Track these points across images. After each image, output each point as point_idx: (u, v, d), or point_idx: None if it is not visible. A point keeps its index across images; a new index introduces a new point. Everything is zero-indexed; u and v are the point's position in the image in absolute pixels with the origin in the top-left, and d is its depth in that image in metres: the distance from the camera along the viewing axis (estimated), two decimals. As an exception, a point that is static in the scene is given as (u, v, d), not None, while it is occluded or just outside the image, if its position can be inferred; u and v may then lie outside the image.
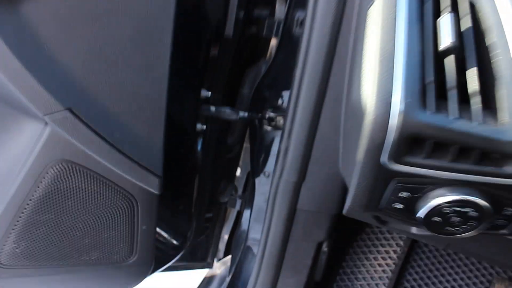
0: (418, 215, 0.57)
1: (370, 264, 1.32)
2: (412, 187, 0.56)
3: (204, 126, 1.04)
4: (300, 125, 0.92)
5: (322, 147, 0.94)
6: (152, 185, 0.90)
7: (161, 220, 1.26)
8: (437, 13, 0.57)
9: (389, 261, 1.34)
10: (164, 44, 0.82)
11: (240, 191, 1.29)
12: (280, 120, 1.04)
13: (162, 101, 0.85)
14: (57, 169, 0.88)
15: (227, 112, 1.01)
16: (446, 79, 0.52)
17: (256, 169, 1.11)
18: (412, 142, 0.52)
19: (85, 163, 0.89)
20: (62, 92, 0.79)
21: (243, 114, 1.02)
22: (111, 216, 0.97)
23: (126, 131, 0.85)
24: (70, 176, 0.89)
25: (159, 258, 1.26)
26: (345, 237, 1.29)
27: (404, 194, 0.57)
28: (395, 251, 1.33)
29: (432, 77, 0.52)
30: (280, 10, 1.04)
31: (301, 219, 1.04)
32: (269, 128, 1.06)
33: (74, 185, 0.91)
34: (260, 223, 1.15)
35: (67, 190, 0.91)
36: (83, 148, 0.84)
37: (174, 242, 1.29)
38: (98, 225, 0.98)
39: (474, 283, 1.26)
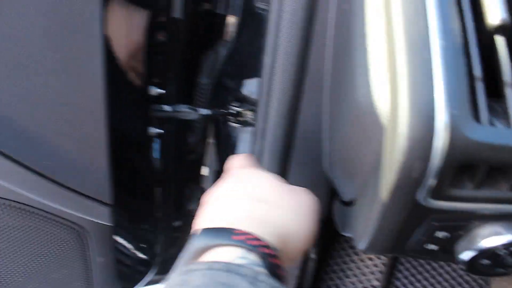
0: (460, 257, 0.42)
1: (360, 259, 1.18)
2: (452, 225, 0.41)
3: (158, 129, 0.86)
4: (275, 123, 0.75)
5: (303, 147, 0.78)
6: (100, 216, 0.72)
7: (125, 231, 1.10)
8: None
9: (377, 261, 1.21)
10: (92, 36, 0.63)
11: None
12: (247, 114, 0.86)
13: (100, 111, 0.66)
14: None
15: (184, 112, 0.82)
16: (499, 70, 0.36)
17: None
18: (459, 169, 0.36)
19: (11, 197, 0.70)
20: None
21: (204, 111, 0.84)
22: (57, 254, 0.79)
23: (57, 155, 0.66)
24: (-5, 214, 0.70)
25: (128, 275, 1.10)
26: (331, 235, 1.15)
27: (441, 234, 0.42)
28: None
29: (480, 72, 0.35)
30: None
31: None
32: (236, 125, 0.88)
33: (3, 224, 0.72)
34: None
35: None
36: (2, 183, 0.65)
37: (142, 256, 1.13)
38: (43, 265, 0.79)
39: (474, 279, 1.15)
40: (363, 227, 0.48)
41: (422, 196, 0.38)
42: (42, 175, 0.66)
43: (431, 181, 0.36)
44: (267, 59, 0.71)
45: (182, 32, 0.78)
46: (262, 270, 0.41)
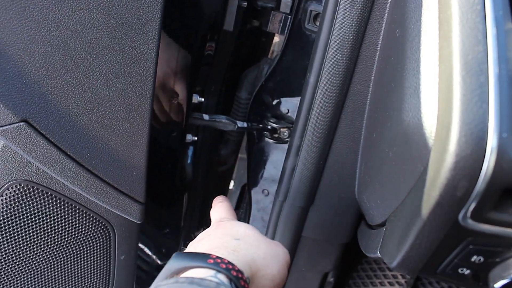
0: (493, 285, 0.42)
1: (380, 282, 1.17)
2: (489, 251, 0.41)
3: (195, 137, 0.88)
4: (311, 141, 0.76)
5: (336, 168, 0.79)
6: (131, 213, 0.74)
7: (146, 237, 1.11)
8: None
9: (397, 287, 1.20)
10: (149, 38, 0.65)
11: (233, 207, 1.13)
12: (284, 132, 0.88)
13: (146, 110, 0.69)
14: (14, 190, 0.71)
15: (223, 122, 0.84)
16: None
17: (253, 186, 0.96)
18: (504, 193, 0.37)
19: (49, 184, 0.72)
20: (17, 100, 0.62)
21: (241, 124, 0.85)
22: (82, 246, 0.81)
23: (100, 148, 0.68)
24: (31, 199, 0.73)
25: (144, 280, 1.11)
26: (349, 260, 1.14)
27: (476, 258, 0.42)
28: (403, 276, 1.19)
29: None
30: (286, 2, 0.87)
31: (306, 247, 0.89)
32: (270, 140, 0.90)
33: (36, 210, 0.74)
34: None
35: (27, 215, 0.74)
36: (43, 168, 0.67)
37: (159, 262, 1.13)
38: (67, 256, 0.81)
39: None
40: (395, 246, 0.49)
41: (463, 216, 0.38)
42: (80, 164, 0.68)
43: (474, 201, 0.37)
44: (311, 78, 0.73)
45: (229, 45, 0.81)
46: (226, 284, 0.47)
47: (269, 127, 0.88)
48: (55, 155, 0.66)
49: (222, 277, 0.48)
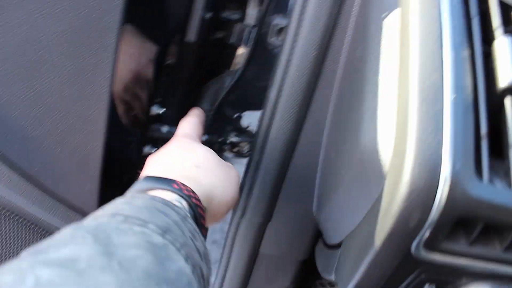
0: (444, 312, 0.42)
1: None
2: (440, 279, 0.41)
3: (154, 149, 0.85)
4: (271, 157, 0.75)
5: (295, 184, 0.78)
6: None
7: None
8: (486, 34, 0.42)
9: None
10: (106, 48, 0.63)
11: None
12: (244, 146, 0.87)
13: (101, 122, 0.66)
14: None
15: (182, 134, 0.82)
16: (505, 131, 0.37)
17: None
18: (456, 223, 0.37)
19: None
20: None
21: (201, 137, 0.84)
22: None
23: (51, 161, 0.65)
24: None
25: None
26: (308, 277, 1.13)
27: (429, 286, 0.42)
28: None
29: (486, 130, 0.37)
30: (251, 15, 0.86)
31: (263, 264, 0.88)
32: (230, 154, 0.89)
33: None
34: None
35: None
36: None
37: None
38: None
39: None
40: (349, 271, 0.48)
41: (415, 247, 0.38)
42: (30, 178, 0.65)
43: (427, 232, 0.36)
44: (271, 94, 0.72)
45: (191, 56, 0.79)
46: (189, 215, 0.51)
47: (229, 141, 0.87)
48: (1, 168, 0.63)
49: (184, 203, 0.52)
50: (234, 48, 0.94)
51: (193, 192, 0.54)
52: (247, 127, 0.87)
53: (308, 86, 0.70)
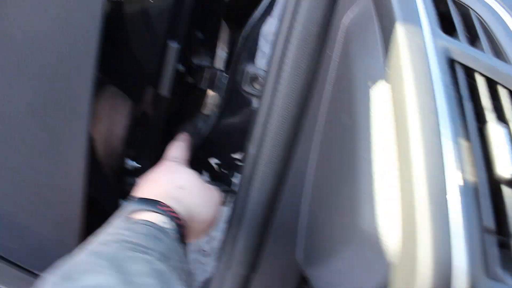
0: None
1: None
2: None
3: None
4: (254, 211, 0.74)
5: (279, 236, 0.77)
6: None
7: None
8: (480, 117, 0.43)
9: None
10: (80, 114, 0.60)
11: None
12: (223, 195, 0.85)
13: (78, 191, 0.63)
14: None
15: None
16: (506, 222, 0.38)
17: (190, 245, 0.91)
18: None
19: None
20: None
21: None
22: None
23: (26, 237, 0.62)
24: None
25: None
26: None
27: None
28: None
29: (493, 225, 0.37)
30: (220, 58, 0.85)
31: (248, 312, 0.87)
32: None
33: None
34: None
35: None
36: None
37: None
38: None
39: None
40: None
41: None
42: (3, 259, 0.61)
43: None
44: (252, 150, 0.71)
45: (165, 108, 0.77)
46: (176, 236, 0.57)
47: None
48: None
49: (170, 223, 0.58)
50: (205, 91, 0.92)
51: (175, 212, 0.60)
52: (225, 175, 0.85)
53: (289, 141, 0.69)
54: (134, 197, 0.62)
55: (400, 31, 0.47)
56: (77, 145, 0.61)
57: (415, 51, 0.45)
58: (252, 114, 0.83)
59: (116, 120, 0.70)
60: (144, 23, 0.65)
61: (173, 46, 0.69)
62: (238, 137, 0.85)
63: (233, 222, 0.76)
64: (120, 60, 0.68)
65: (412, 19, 0.49)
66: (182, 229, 0.61)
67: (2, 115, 0.56)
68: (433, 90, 0.42)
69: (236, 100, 0.81)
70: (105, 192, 0.76)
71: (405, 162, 0.40)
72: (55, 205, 0.62)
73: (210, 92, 0.94)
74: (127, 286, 0.41)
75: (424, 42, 0.45)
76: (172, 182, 0.68)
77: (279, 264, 0.79)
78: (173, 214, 0.60)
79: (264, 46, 0.85)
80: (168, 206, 0.60)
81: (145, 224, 0.54)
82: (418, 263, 0.36)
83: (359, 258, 0.48)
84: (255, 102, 0.87)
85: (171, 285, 0.46)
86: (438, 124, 0.40)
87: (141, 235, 0.51)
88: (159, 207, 0.59)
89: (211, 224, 0.72)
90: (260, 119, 0.69)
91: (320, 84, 0.66)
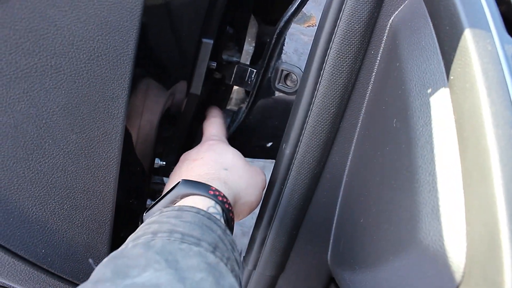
0: None
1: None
2: None
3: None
4: (285, 212, 0.72)
5: (309, 237, 0.75)
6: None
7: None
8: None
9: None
10: (115, 117, 0.57)
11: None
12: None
13: (109, 195, 0.61)
14: None
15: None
16: None
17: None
18: None
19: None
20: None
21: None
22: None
23: (56, 242, 0.59)
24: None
25: None
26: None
27: None
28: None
29: None
30: (247, 53, 0.82)
31: (274, 312, 0.85)
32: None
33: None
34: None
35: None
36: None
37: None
38: None
39: None
40: None
41: None
42: (34, 264, 0.59)
43: None
44: (287, 150, 0.68)
45: (194, 105, 0.74)
46: (224, 222, 0.56)
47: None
48: (2, 258, 0.56)
49: (218, 208, 0.56)
50: (230, 87, 0.89)
51: (225, 197, 0.58)
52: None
53: (326, 142, 0.67)
54: (182, 180, 0.59)
55: (468, 35, 0.44)
56: (111, 148, 0.58)
57: (487, 58, 0.42)
58: (279, 111, 0.80)
59: (148, 119, 0.67)
60: (179, 20, 0.62)
61: (208, 42, 0.66)
62: (266, 133, 0.83)
63: (262, 222, 0.74)
64: (155, 58, 0.65)
65: (479, 22, 0.46)
66: (230, 214, 0.59)
67: (35, 117, 0.53)
68: (510, 100, 0.39)
69: (267, 99, 0.78)
70: (134, 194, 0.73)
71: (482, 178, 0.38)
72: (86, 209, 0.60)
73: (235, 87, 0.91)
74: (181, 282, 0.41)
75: (496, 48, 0.43)
76: (218, 163, 0.65)
77: (307, 265, 0.77)
78: (223, 199, 0.58)
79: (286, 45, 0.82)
80: (218, 190, 0.58)
81: (195, 212, 0.52)
82: (501, 280, 0.34)
83: (417, 272, 0.46)
84: (285, 99, 0.85)
85: (224, 278, 0.45)
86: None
87: (191, 225, 0.49)
88: (210, 192, 0.57)
89: (255, 206, 0.71)
90: (297, 117, 0.66)
91: (362, 85, 0.64)
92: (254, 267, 0.78)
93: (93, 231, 0.62)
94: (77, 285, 0.62)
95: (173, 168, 0.82)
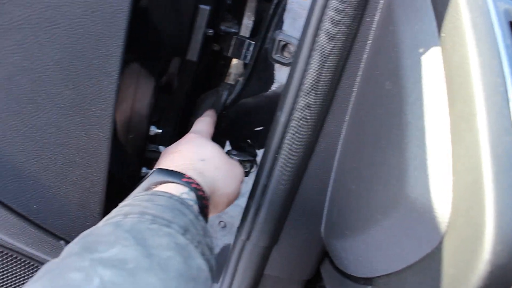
0: None
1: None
2: None
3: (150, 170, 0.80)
4: (279, 181, 0.72)
5: (302, 209, 0.75)
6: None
7: None
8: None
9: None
10: (109, 74, 0.58)
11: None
12: (246, 165, 0.83)
13: (103, 154, 0.61)
14: None
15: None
16: None
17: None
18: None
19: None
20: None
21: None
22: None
23: (49, 199, 0.60)
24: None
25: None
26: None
27: None
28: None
29: None
30: (246, 27, 0.82)
31: (267, 284, 0.85)
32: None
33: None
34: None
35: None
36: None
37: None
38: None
39: None
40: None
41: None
42: (27, 219, 0.59)
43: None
44: (282, 117, 0.68)
45: (191, 73, 0.74)
46: (197, 208, 0.57)
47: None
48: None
49: (192, 195, 0.58)
50: (229, 58, 0.89)
51: (198, 185, 0.60)
52: (249, 145, 0.83)
53: (321, 110, 0.67)
54: (156, 168, 0.61)
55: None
56: (105, 106, 0.58)
57: (478, 14, 0.42)
58: (277, 84, 0.80)
59: (141, 83, 0.67)
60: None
61: (205, 9, 0.66)
62: (263, 109, 0.83)
63: (256, 191, 0.74)
64: (151, 23, 0.65)
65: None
66: (204, 202, 0.60)
67: (29, 70, 0.54)
68: (499, 54, 0.39)
69: (263, 69, 0.78)
70: (125, 164, 0.74)
71: (469, 127, 0.38)
72: (79, 167, 0.60)
73: (234, 62, 0.91)
74: (147, 258, 0.42)
75: (486, 4, 0.43)
76: (196, 154, 0.67)
77: (300, 237, 0.77)
78: (196, 186, 0.59)
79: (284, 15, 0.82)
80: (191, 178, 0.60)
81: (167, 196, 0.53)
82: (483, 230, 0.34)
83: (404, 228, 0.46)
84: (282, 71, 0.85)
85: (192, 259, 0.46)
86: (505, 88, 0.38)
87: (163, 207, 0.51)
88: (184, 179, 0.59)
89: (233, 198, 0.72)
90: (291, 85, 0.66)
91: (357, 52, 0.64)
92: (248, 237, 0.78)
93: (86, 189, 0.62)
94: (69, 242, 0.63)
95: (169, 137, 0.82)
